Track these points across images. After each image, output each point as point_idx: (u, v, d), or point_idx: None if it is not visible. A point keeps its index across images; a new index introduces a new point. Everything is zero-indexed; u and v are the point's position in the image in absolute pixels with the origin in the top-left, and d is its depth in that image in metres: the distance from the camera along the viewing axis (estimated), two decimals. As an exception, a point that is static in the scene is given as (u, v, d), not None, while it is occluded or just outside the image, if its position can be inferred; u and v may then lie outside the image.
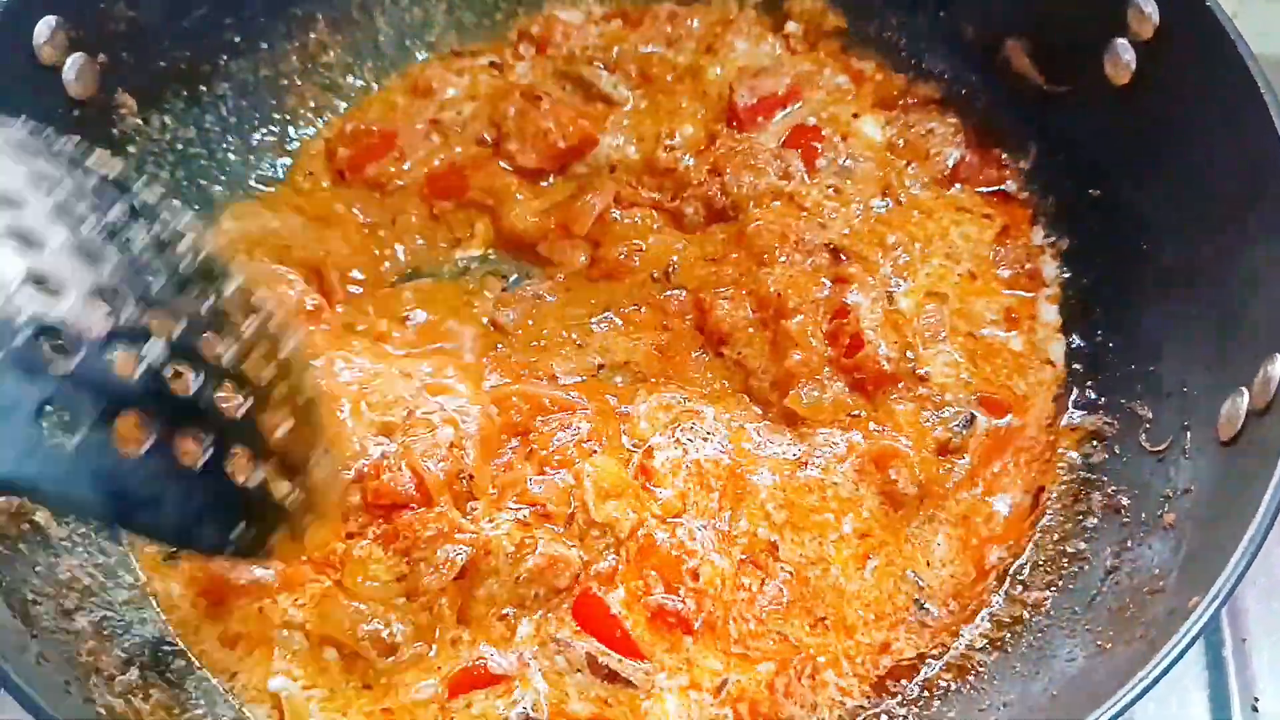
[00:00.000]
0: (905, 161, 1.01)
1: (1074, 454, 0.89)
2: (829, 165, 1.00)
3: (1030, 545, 0.86)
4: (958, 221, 0.98)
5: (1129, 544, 0.80)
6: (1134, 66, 0.89)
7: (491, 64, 1.08)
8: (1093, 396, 0.91)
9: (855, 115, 1.03)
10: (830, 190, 0.99)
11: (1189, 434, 0.80)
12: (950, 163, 1.01)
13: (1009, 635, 0.82)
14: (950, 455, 0.88)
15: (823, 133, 1.01)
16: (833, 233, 0.96)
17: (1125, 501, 0.83)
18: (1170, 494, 0.79)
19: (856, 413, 0.89)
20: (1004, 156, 1.01)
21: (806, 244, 0.94)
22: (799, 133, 1.02)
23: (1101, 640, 0.75)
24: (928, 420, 0.89)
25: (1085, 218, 0.96)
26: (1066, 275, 0.96)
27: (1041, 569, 0.85)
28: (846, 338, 0.89)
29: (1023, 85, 0.99)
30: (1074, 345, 0.93)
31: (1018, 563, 0.85)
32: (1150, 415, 0.86)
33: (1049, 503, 0.87)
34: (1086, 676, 0.73)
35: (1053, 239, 0.98)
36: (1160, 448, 0.83)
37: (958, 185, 1.00)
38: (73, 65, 0.86)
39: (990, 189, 1.00)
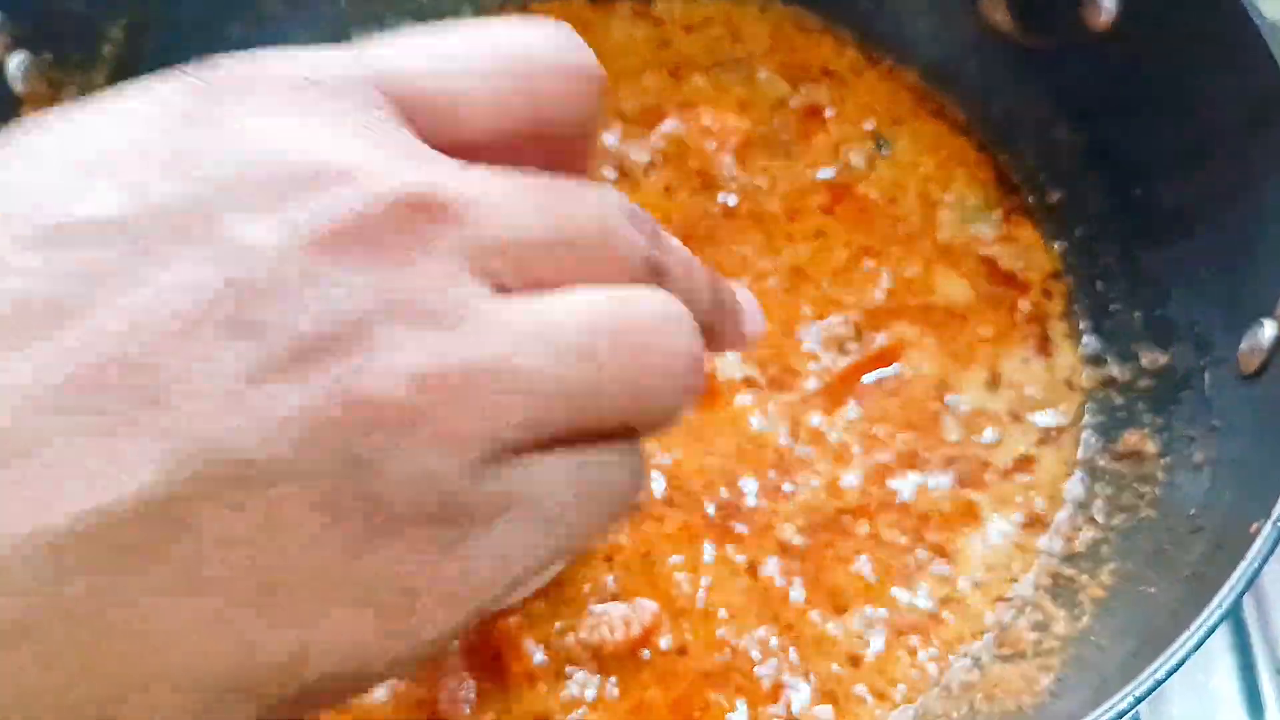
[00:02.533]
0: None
1: (1089, 405, 0.86)
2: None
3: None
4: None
5: (1157, 489, 0.78)
6: (1115, 11, 0.87)
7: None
8: (1099, 346, 0.88)
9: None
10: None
11: (1207, 373, 0.78)
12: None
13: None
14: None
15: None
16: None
17: (1151, 448, 0.81)
18: (1195, 435, 0.77)
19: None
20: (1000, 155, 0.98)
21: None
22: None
23: (1143, 584, 0.71)
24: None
25: (1075, 176, 0.93)
26: (1061, 246, 0.93)
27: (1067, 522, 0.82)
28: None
29: (1003, 42, 0.96)
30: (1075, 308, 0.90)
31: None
32: (1164, 360, 0.83)
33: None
34: (1134, 619, 0.69)
35: (1046, 196, 0.95)
36: (1178, 391, 0.80)
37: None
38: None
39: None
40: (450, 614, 0.32)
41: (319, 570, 0.29)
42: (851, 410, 0.85)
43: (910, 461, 0.83)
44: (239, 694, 0.29)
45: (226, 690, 0.28)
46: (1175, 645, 0.60)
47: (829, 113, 0.99)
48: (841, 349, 0.88)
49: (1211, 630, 0.60)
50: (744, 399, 0.85)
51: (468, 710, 0.74)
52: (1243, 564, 0.60)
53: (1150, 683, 0.59)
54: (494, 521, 0.31)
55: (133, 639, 0.27)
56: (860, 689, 0.75)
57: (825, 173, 0.96)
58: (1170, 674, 0.59)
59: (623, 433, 0.35)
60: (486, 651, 0.76)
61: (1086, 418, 0.85)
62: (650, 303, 0.34)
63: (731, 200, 0.95)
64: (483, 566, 0.32)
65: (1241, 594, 0.60)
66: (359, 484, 0.29)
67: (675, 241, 0.42)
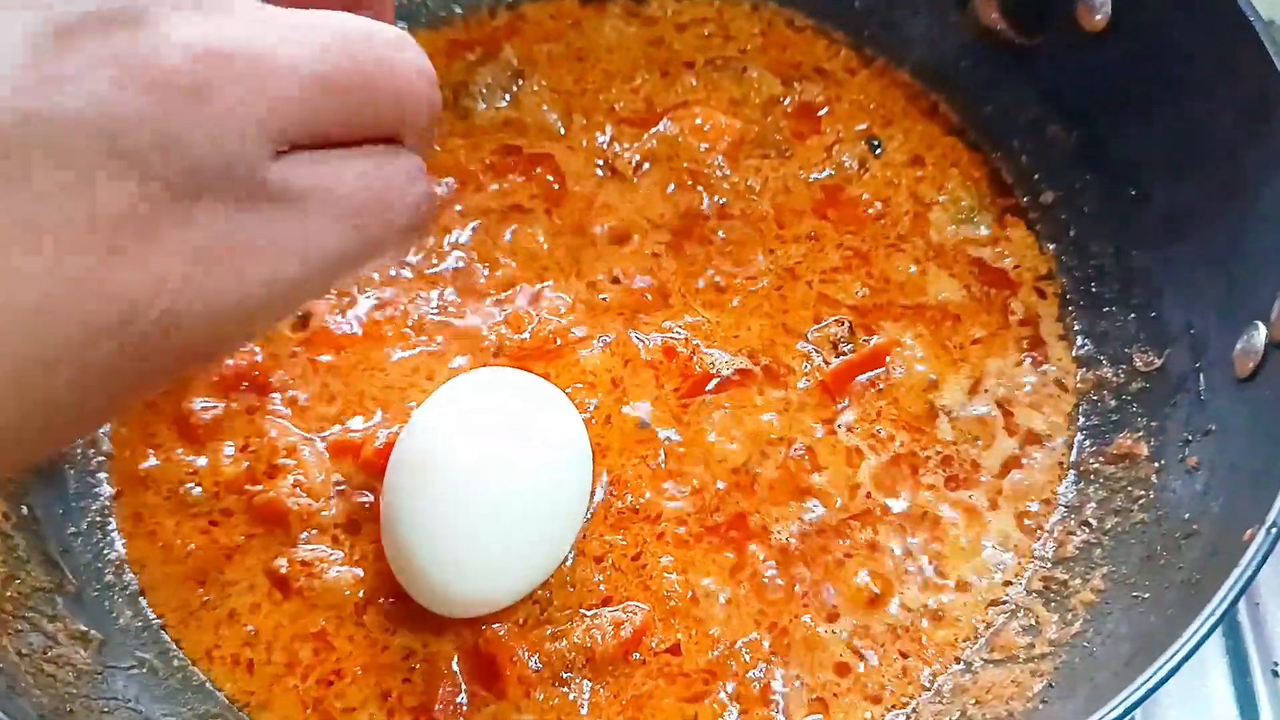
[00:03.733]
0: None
1: (1081, 407, 0.85)
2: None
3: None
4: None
5: (1150, 492, 0.77)
6: (1108, 10, 0.86)
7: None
8: (1092, 348, 0.87)
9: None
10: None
11: (1202, 376, 0.77)
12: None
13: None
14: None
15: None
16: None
17: (1144, 451, 0.80)
18: (1190, 437, 0.76)
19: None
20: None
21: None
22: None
23: (1136, 590, 0.71)
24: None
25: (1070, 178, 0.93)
26: (1054, 247, 0.92)
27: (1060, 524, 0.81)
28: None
29: (996, 41, 0.95)
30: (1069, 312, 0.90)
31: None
32: (1157, 362, 0.82)
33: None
34: (1127, 624, 0.69)
35: (1039, 196, 0.94)
36: (1172, 393, 0.79)
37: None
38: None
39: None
40: (268, 288, 0.37)
41: (145, 227, 0.34)
42: (846, 411, 0.84)
43: (903, 463, 0.83)
44: (89, 330, 0.34)
45: (75, 326, 0.33)
46: (1169, 653, 0.59)
47: (822, 112, 0.99)
48: (835, 349, 0.87)
49: (1205, 637, 0.60)
50: (737, 398, 0.85)
51: (463, 717, 0.74)
52: (1237, 570, 0.60)
53: (1143, 691, 0.58)
54: (297, 206, 0.37)
55: None
56: (851, 693, 0.74)
57: (817, 174, 0.96)
58: (1163, 682, 0.58)
59: (392, 139, 0.41)
60: (480, 658, 0.75)
61: (1079, 420, 0.85)
62: (389, 29, 0.41)
63: (723, 201, 0.94)
64: (292, 246, 0.38)
65: (1235, 600, 0.59)
66: (167, 152, 0.34)
67: None
